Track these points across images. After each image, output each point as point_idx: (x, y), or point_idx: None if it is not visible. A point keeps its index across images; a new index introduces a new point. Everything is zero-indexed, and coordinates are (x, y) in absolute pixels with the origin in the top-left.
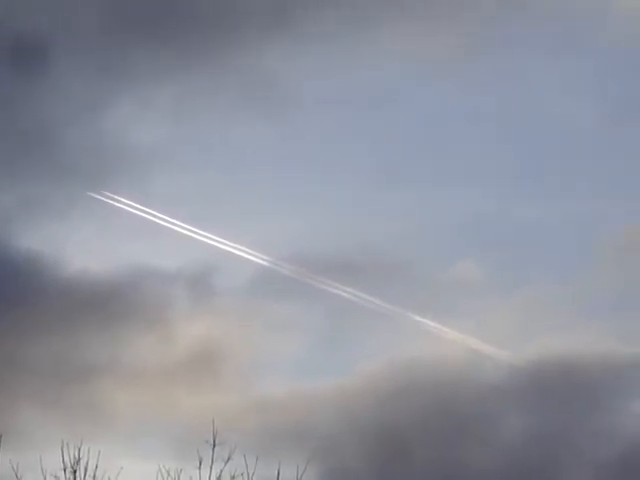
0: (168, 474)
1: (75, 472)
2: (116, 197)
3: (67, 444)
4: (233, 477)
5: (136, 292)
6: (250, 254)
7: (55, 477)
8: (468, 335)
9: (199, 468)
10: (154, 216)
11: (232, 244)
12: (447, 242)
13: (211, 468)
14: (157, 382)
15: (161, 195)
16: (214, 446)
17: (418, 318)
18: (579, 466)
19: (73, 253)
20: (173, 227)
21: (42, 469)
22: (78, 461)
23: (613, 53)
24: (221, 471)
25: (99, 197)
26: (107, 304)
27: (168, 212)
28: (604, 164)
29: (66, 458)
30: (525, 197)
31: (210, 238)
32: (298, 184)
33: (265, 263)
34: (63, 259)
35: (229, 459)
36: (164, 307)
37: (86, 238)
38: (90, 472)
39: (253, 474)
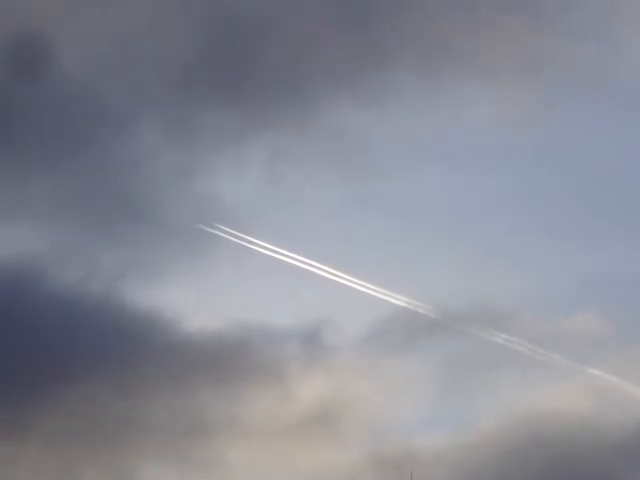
0: None
1: None
2: (228, 231)
3: None
4: None
5: (252, 349)
6: (376, 292)
7: None
8: (596, 382)
9: None
10: (268, 249)
11: (358, 281)
12: (571, 293)
13: None
14: (274, 438)
15: (273, 237)
16: None
17: (542, 365)
18: None
19: (188, 310)
20: (293, 262)
21: None
22: None
23: None
24: None
25: (209, 242)
26: (224, 361)
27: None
28: None
29: None
30: None
31: (332, 274)
32: (409, 236)
33: (387, 309)
34: (179, 316)
35: None
36: (281, 363)
37: (198, 295)
38: None
39: None
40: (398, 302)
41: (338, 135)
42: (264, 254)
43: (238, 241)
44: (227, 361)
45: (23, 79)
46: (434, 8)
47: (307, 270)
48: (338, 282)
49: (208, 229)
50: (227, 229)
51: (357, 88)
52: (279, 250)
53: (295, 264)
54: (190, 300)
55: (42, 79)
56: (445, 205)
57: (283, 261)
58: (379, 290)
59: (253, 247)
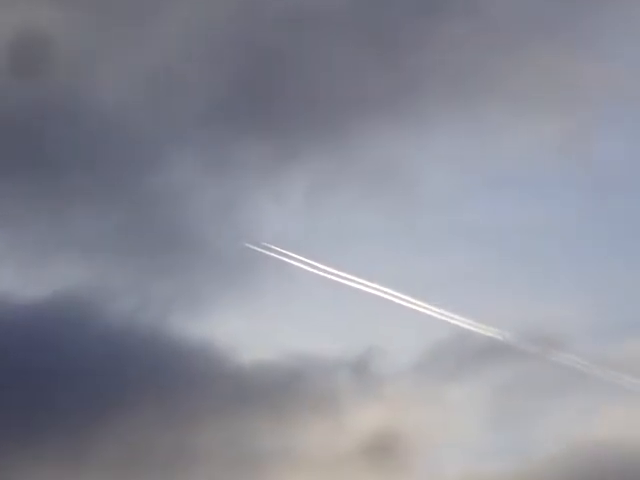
0: None
1: None
2: (275, 249)
3: None
4: None
5: (304, 378)
6: (431, 311)
7: None
8: None
9: None
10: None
11: (412, 300)
12: (620, 319)
13: None
14: (327, 469)
15: (321, 259)
16: None
17: (611, 388)
18: None
19: (237, 339)
20: (342, 281)
21: None
22: None
23: None
24: None
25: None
26: (274, 391)
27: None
28: None
29: None
30: None
31: (385, 292)
32: (462, 258)
33: (443, 330)
34: (229, 346)
35: None
36: (334, 391)
37: (247, 323)
38: None
39: None
40: (455, 322)
41: (377, 161)
42: (312, 274)
43: (284, 259)
44: (278, 391)
45: (63, 113)
46: (469, 36)
47: (358, 290)
48: (391, 302)
49: (255, 248)
50: (273, 247)
51: (394, 116)
52: (328, 269)
53: (345, 283)
54: (239, 329)
55: (81, 113)
56: (496, 229)
57: (333, 281)
58: (434, 310)
59: (300, 265)
